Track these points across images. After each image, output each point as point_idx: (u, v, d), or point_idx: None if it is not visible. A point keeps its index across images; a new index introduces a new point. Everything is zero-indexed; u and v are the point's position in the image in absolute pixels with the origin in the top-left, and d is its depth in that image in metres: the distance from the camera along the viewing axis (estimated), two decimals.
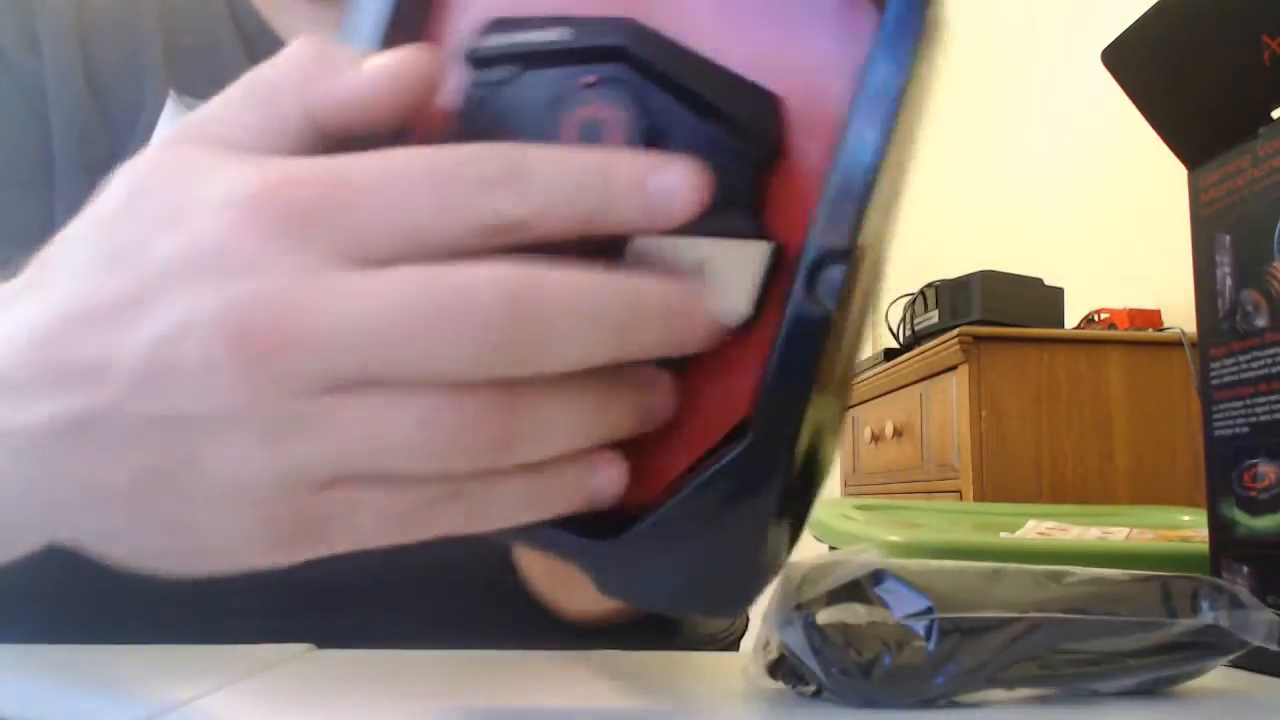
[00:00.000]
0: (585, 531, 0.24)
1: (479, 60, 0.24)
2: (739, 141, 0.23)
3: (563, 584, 0.42)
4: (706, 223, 0.22)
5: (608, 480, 0.23)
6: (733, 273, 0.23)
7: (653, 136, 0.23)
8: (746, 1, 0.24)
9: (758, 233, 0.23)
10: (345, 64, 0.23)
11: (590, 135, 0.23)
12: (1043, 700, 0.30)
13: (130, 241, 0.21)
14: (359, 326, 0.20)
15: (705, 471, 0.23)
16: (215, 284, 0.20)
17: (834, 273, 0.22)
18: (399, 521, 0.22)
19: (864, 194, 0.22)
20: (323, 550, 0.23)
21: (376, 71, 0.22)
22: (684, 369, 0.24)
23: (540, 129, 0.23)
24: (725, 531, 0.23)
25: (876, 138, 0.22)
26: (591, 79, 0.23)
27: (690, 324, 0.22)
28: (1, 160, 0.50)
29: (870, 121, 0.22)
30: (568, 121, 0.23)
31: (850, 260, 0.22)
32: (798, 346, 0.22)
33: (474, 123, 0.23)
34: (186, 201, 0.21)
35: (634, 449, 0.23)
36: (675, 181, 0.21)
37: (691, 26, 0.24)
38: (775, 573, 0.25)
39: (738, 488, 0.23)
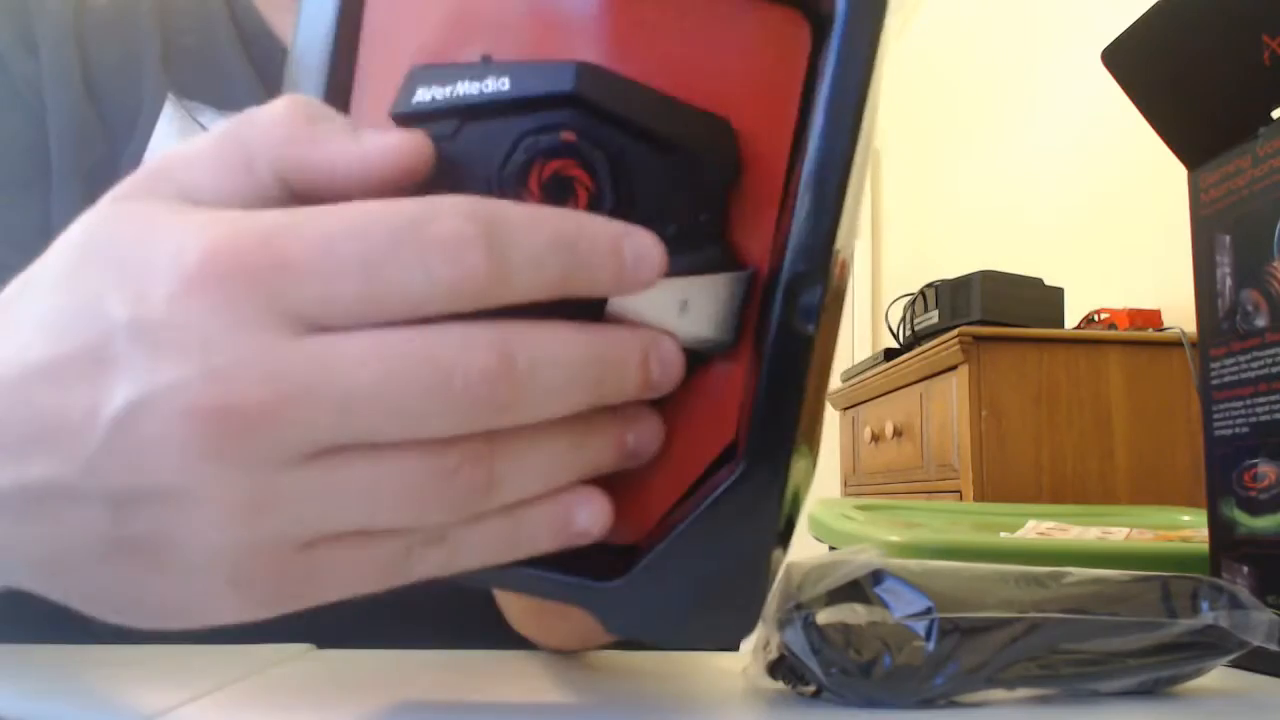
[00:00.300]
0: (588, 573, 0.23)
1: (409, 120, 0.22)
2: (699, 172, 0.23)
3: (539, 620, 0.42)
4: (679, 259, 0.22)
5: (589, 516, 0.22)
6: (712, 306, 0.23)
7: (617, 181, 0.22)
8: (677, 31, 0.24)
9: (729, 261, 0.23)
10: (332, 132, 0.22)
11: (555, 190, 0.22)
12: (1043, 700, 0.30)
13: (86, 299, 0.20)
14: (329, 396, 0.19)
15: (703, 500, 0.23)
16: (170, 360, 0.19)
17: (813, 294, 0.22)
18: (380, 571, 0.22)
19: (835, 212, 0.22)
20: (304, 604, 0.22)
21: (375, 151, 0.21)
22: (667, 400, 0.23)
23: (490, 183, 0.22)
24: (727, 559, 0.23)
25: (842, 155, 0.22)
26: (540, 129, 0.22)
27: (668, 370, 0.22)
28: None
29: (835, 140, 0.22)
30: (531, 177, 0.22)
31: (826, 277, 0.22)
32: (784, 368, 0.22)
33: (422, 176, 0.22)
34: (138, 264, 0.20)
35: (623, 484, 0.23)
36: (647, 245, 0.21)
37: (626, 60, 0.23)
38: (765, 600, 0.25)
39: (736, 513, 0.23)
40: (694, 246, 0.23)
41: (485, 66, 0.22)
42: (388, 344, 0.19)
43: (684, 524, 0.23)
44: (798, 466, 0.23)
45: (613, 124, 0.22)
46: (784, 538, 0.24)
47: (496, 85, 0.22)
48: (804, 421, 0.23)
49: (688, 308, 0.23)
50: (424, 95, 0.22)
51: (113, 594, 0.22)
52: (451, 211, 0.20)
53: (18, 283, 0.22)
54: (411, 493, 0.20)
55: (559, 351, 0.21)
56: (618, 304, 0.22)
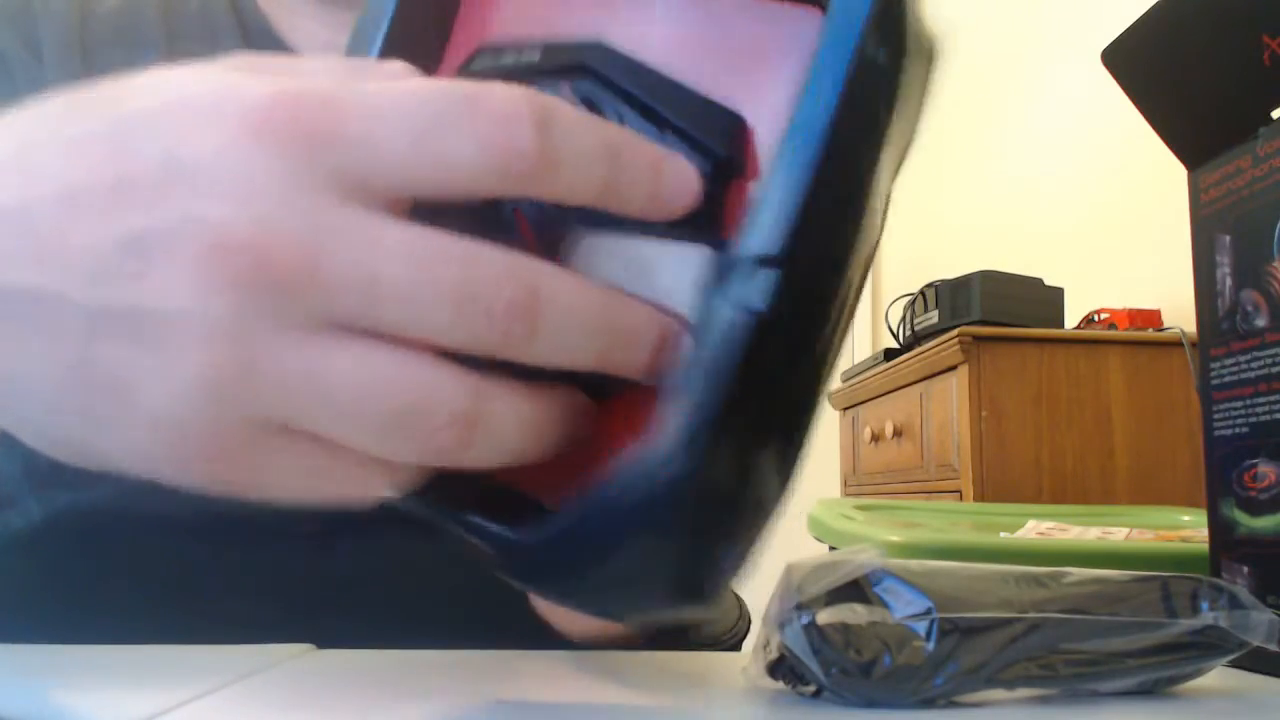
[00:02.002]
0: (509, 524, 0.24)
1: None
2: (700, 159, 0.23)
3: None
4: (673, 236, 0.23)
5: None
6: (685, 283, 0.23)
7: None
8: (706, 26, 0.25)
9: (711, 244, 0.23)
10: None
11: None
12: (1043, 700, 0.30)
13: (138, 128, 0.20)
14: (359, 273, 0.19)
15: (614, 472, 0.22)
16: (210, 199, 0.19)
17: (760, 277, 0.21)
18: (322, 481, 0.22)
19: (799, 191, 0.21)
20: (241, 491, 0.22)
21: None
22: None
23: None
24: (629, 536, 0.22)
25: (816, 129, 0.22)
26: (562, 90, 0.24)
27: (669, 354, 0.22)
28: None
29: (810, 112, 0.22)
30: None
31: (785, 263, 0.21)
32: (715, 350, 0.21)
33: None
34: (206, 108, 0.20)
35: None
36: (686, 173, 0.22)
37: (654, 50, 0.24)
38: (701, 590, 0.24)
39: (639, 491, 0.22)
40: (684, 229, 0.23)
41: (529, 44, 0.25)
42: (428, 240, 0.19)
43: (592, 492, 0.22)
44: (733, 456, 0.22)
45: (618, 96, 0.23)
46: (712, 530, 0.23)
47: (530, 56, 0.25)
48: (745, 412, 0.22)
49: (663, 278, 0.23)
50: (478, 64, 0.25)
51: (56, 423, 0.22)
52: (508, 92, 0.20)
53: (51, 100, 0.22)
54: (397, 411, 0.20)
55: (583, 308, 0.21)
56: (585, 255, 0.23)
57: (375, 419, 0.20)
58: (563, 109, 0.21)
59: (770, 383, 0.22)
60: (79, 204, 0.20)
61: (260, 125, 0.19)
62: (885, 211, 0.25)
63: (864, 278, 0.25)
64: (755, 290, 0.21)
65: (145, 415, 0.20)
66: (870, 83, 0.23)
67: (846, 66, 0.22)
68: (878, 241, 0.25)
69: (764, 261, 0.21)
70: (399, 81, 0.20)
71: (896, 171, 0.26)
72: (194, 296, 0.19)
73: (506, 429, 0.21)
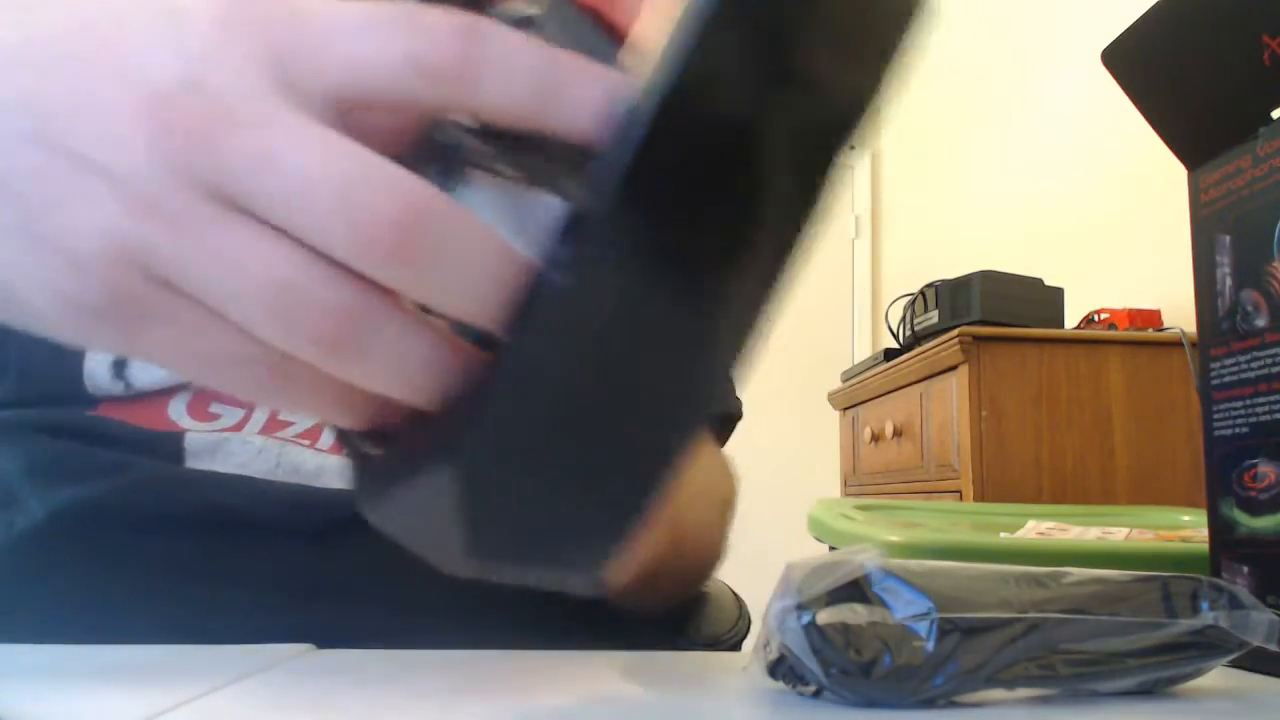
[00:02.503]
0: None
1: None
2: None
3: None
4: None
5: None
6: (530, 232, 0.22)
7: None
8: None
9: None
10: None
11: None
12: (1043, 700, 0.30)
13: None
14: (275, 159, 0.20)
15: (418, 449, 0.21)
16: (173, 52, 0.20)
17: (570, 240, 0.20)
18: (196, 361, 0.22)
19: (627, 149, 0.20)
20: (117, 344, 0.22)
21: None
22: None
23: None
24: (433, 498, 0.21)
25: (649, 106, 0.20)
26: None
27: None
28: None
29: (663, 68, 0.20)
30: None
31: (609, 230, 0.20)
32: (533, 306, 0.20)
33: None
34: None
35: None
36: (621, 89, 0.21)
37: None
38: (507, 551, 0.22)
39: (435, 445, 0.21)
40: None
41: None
42: (339, 148, 0.20)
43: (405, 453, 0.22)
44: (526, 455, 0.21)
45: None
46: (487, 541, 0.21)
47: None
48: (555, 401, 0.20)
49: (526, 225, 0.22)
50: None
51: None
52: (446, 12, 0.21)
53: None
54: (276, 300, 0.20)
55: (479, 230, 0.20)
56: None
57: (253, 290, 0.20)
58: (501, 29, 0.21)
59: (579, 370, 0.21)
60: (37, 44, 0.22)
61: (228, 13, 0.21)
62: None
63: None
64: (559, 251, 0.20)
65: (53, 238, 0.21)
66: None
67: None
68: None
69: (574, 218, 0.20)
70: (312, 133, 0.21)
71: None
72: (113, 145, 0.20)
73: (400, 350, 0.21)
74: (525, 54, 0.21)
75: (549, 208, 0.21)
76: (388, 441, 0.23)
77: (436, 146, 0.24)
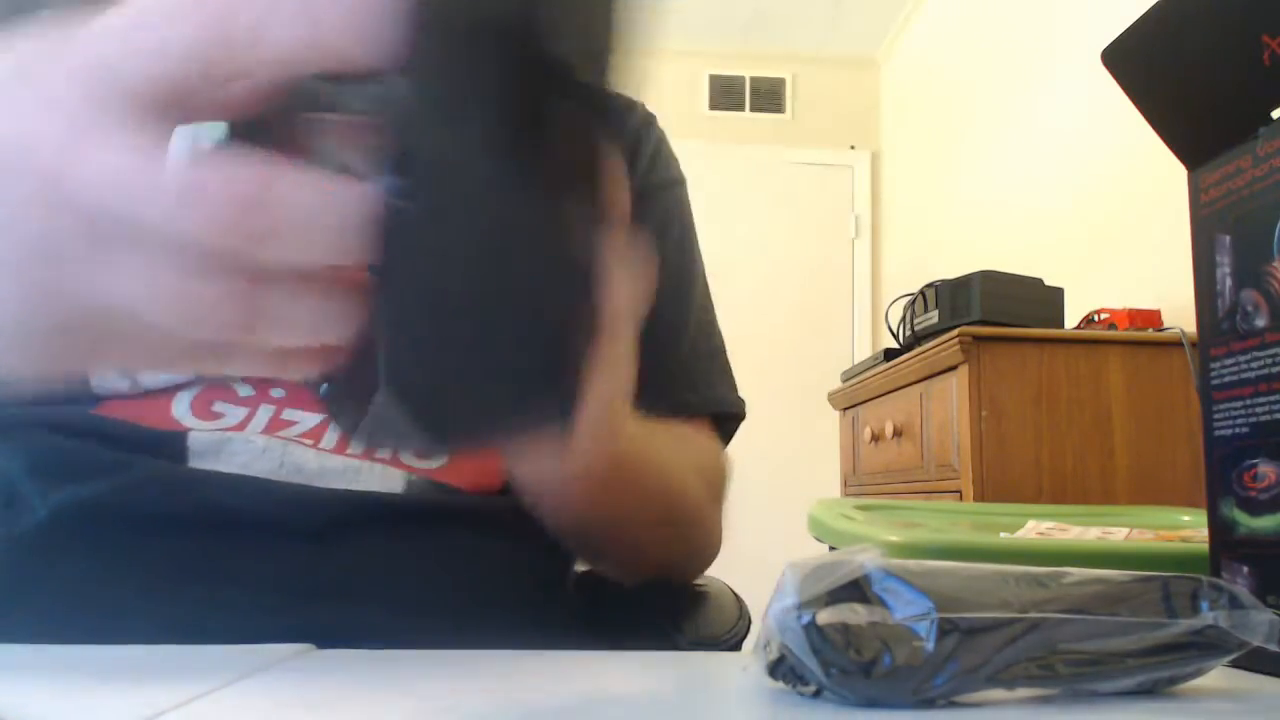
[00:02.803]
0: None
1: None
2: None
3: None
4: None
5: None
6: None
7: None
8: None
9: None
10: None
11: None
12: (1043, 700, 0.30)
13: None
14: (119, 196, 0.22)
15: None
16: (32, 105, 0.23)
17: (402, 164, 0.22)
18: (149, 362, 0.26)
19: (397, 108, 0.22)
20: (80, 360, 0.27)
21: None
22: None
23: None
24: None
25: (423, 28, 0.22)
26: None
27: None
28: None
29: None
30: None
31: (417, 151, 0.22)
32: (390, 231, 0.22)
33: None
34: None
35: None
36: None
37: None
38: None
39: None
40: None
41: None
42: (162, 159, 0.22)
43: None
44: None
45: None
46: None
47: None
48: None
49: None
50: None
51: None
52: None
53: None
54: (181, 308, 0.23)
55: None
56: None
57: (152, 307, 0.23)
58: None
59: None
60: None
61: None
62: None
63: None
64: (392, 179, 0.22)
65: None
66: None
67: None
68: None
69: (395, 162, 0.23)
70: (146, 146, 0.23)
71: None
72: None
73: (296, 310, 0.23)
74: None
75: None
76: (346, 382, 0.26)
77: (296, 95, 0.25)
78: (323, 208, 0.22)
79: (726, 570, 0.69)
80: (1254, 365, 0.38)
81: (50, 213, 0.23)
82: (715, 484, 0.64)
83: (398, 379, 0.24)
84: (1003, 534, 0.81)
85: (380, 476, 0.50)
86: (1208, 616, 0.30)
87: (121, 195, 0.22)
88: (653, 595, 0.64)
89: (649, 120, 0.72)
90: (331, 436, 0.51)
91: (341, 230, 0.22)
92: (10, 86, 0.24)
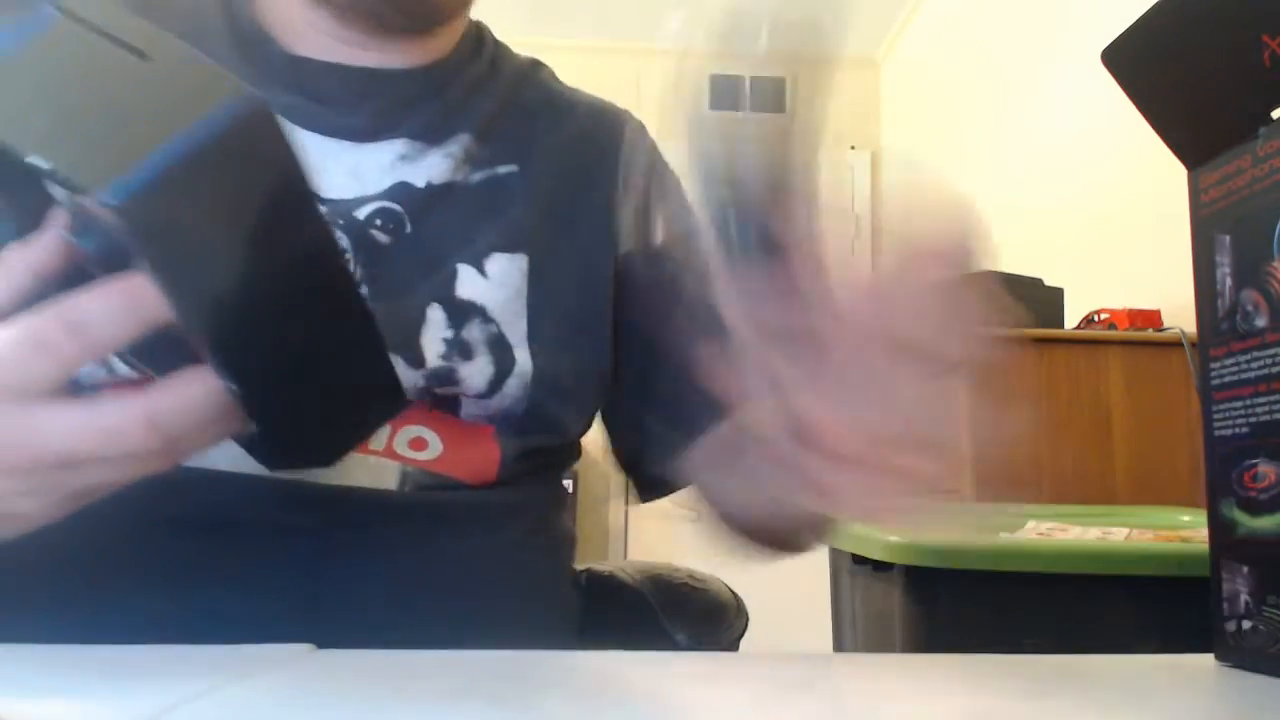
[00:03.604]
0: None
1: None
2: None
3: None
4: None
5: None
6: None
7: None
8: None
9: None
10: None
11: None
12: (1043, 699, 0.30)
13: None
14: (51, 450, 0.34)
15: None
16: None
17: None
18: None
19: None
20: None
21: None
22: None
23: None
24: None
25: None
26: None
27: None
28: None
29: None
30: None
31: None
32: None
33: None
34: None
35: None
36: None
37: None
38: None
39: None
40: None
41: None
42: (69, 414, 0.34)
43: None
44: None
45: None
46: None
47: None
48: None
49: None
50: None
51: None
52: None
53: None
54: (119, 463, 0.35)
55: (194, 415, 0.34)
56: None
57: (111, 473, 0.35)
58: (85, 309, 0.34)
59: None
60: None
61: None
62: None
63: None
64: None
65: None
66: None
67: None
68: None
69: None
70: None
71: None
72: None
73: (192, 414, 0.34)
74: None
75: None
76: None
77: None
78: (199, 408, 0.34)
79: (726, 570, 0.69)
80: (1254, 365, 0.38)
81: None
82: None
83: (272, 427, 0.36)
84: (1003, 534, 0.81)
85: (375, 469, 0.50)
86: None
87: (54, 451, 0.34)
88: (652, 595, 0.64)
89: (642, 129, 0.71)
90: None
91: (218, 414, 0.34)
92: None
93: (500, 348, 0.53)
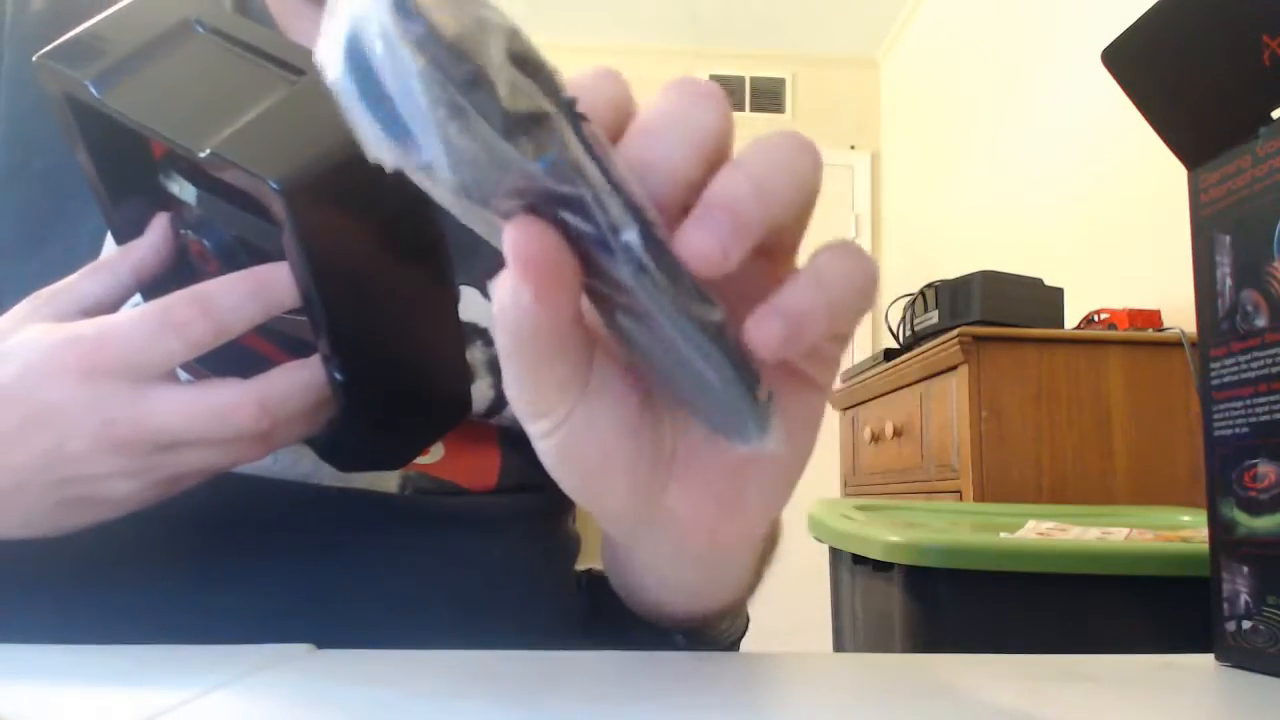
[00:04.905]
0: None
1: None
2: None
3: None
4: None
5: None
6: None
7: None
8: None
9: None
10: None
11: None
12: (1041, 700, 0.30)
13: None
14: (180, 426, 0.36)
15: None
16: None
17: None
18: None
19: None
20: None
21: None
22: None
23: None
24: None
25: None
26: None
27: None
28: None
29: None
30: None
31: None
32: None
33: None
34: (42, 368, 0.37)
35: None
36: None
37: None
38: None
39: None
40: None
41: None
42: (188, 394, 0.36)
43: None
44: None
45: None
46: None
47: None
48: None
49: None
50: None
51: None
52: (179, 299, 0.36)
53: None
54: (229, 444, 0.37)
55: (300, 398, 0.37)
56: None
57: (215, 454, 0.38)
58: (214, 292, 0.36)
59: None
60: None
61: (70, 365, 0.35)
62: None
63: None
64: None
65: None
66: None
67: None
68: None
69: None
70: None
71: None
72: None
73: (294, 401, 0.37)
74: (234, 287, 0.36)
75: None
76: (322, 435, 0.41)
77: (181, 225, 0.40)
78: (304, 395, 0.37)
79: None
80: (1254, 365, 0.38)
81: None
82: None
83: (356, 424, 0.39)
84: (1003, 534, 0.81)
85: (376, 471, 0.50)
86: None
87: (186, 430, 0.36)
88: None
89: None
90: None
91: (318, 404, 0.37)
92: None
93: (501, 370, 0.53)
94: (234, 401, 0.35)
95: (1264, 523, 0.37)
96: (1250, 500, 0.38)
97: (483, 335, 0.53)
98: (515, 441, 0.54)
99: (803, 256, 0.25)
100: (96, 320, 0.36)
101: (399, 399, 0.40)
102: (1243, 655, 0.36)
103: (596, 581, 0.67)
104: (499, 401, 0.53)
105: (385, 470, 0.49)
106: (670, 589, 0.43)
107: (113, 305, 0.39)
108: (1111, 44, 0.45)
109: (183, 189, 0.38)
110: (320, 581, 0.47)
